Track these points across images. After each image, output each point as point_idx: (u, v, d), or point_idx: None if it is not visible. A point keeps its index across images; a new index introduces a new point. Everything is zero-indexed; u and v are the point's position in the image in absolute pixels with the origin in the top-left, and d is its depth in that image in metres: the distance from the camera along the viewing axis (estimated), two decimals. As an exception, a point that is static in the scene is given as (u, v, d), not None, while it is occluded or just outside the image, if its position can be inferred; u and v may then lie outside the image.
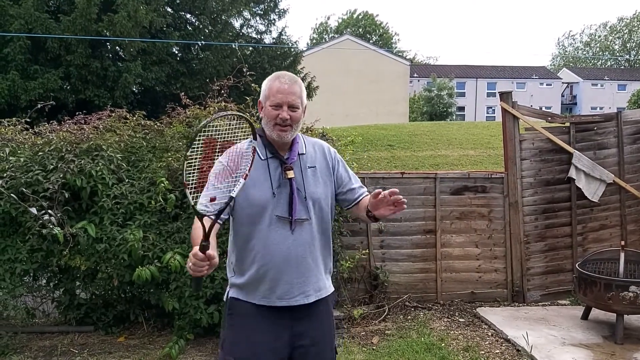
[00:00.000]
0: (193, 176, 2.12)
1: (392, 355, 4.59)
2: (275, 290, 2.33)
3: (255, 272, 2.34)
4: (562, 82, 55.56)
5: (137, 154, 5.17)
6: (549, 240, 6.23)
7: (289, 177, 2.34)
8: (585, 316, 5.37)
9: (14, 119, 5.58)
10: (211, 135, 2.15)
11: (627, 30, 64.08)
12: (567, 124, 6.28)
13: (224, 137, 2.24)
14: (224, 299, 2.50)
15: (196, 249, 2.03)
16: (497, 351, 4.74)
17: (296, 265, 2.32)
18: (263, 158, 2.37)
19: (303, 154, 2.44)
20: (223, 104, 5.22)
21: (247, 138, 2.25)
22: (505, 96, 6.19)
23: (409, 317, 5.61)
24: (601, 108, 48.57)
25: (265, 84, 2.42)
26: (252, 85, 5.25)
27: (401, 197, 2.21)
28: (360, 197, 2.50)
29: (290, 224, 2.32)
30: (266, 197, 2.31)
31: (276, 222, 2.31)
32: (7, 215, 4.60)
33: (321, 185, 2.43)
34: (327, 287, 2.48)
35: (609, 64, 66.12)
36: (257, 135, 2.35)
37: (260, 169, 2.35)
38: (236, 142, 2.29)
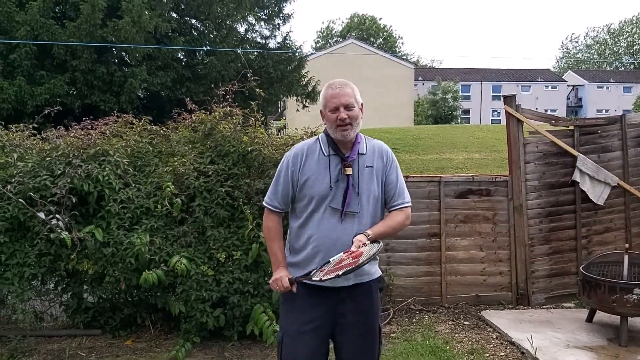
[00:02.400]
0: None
1: (397, 358, 4.61)
2: None
3: (308, 252, 2.66)
4: (567, 85, 55.47)
5: (143, 159, 5.21)
6: (553, 243, 6.24)
7: (347, 173, 2.62)
8: (589, 319, 5.37)
9: (21, 124, 5.64)
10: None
11: (633, 32, 63.87)
12: (571, 127, 6.29)
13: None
14: None
15: (286, 280, 2.58)
16: (502, 354, 4.75)
17: (341, 251, 2.54)
18: (326, 154, 2.68)
19: (363, 154, 2.69)
20: (228, 108, 5.26)
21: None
22: (509, 99, 6.21)
23: (414, 320, 5.63)
24: (607, 111, 48.39)
25: (321, 95, 2.73)
26: (257, 90, 5.30)
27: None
28: (393, 209, 2.74)
29: (341, 214, 2.61)
30: (325, 190, 2.62)
31: (330, 212, 2.63)
32: (16, 220, 4.65)
33: (375, 183, 2.68)
34: (371, 274, 2.74)
35: (614, 66, 65.93)
36: (323, 135, 2.73)
37: (322, 163, 2.67)
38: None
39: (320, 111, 2.73)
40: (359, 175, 2.64)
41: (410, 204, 2.77)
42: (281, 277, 2.61)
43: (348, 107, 2.61)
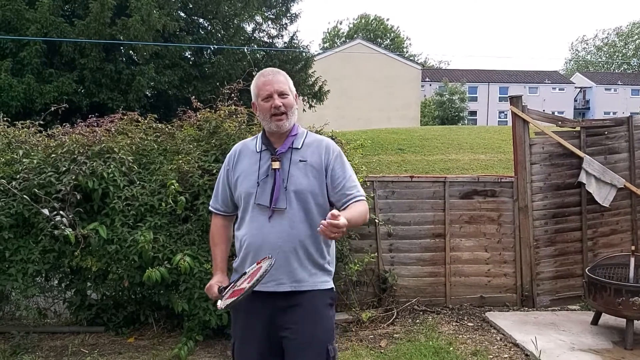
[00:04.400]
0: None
1: (400, 359, 4.60)
2: None
3: (242, 255, 2.52)
4: (575, 87, 55.20)
5: (148, 157, 5.22)
6: (558, 244, 6.20)
7: (274, 167, 2.45)
8: (595, 321, 5.34)
9: (27, 121, 5.66)
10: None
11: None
12: (578, 129, 6.25)
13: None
14: None
15: (216, 287, 2.45)
16: (506, 355, 4.73)
17: (269, 252, 2.36)
18: (257, 150, 2.54)
19: (297, 148, 2.50)
20: (233, 107, 5.26)
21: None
22: (515, 100, 6.19)
23: (418, 320, 5.61)
24: (614, 113, 48.14)
25: (252, 85, 2.56)
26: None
27: (330, 223, 2.15)
28: (348, 203, 2.46)
29: (268, 212, 2.43)
30: (252, 187, 2.47)
31: (258, 210, 2.45)
32: (20, 217, 4.66)
33: (309, 179, 2.46)
34: (313, 282, 2.47)
35: (622, 68, 65.59)
36: (261, 132, 2.57)
37: (253, 160, 2.53)
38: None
39: (252, 103, 2.57)
40: (289, 170, 2.45)
41: (364, 197, 2.52)
42: (211, 285, 2.50)
43: (282, 95, 2.46)
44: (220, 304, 2.28)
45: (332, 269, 2.58)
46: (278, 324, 2.44)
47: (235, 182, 2.55)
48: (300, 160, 2.48)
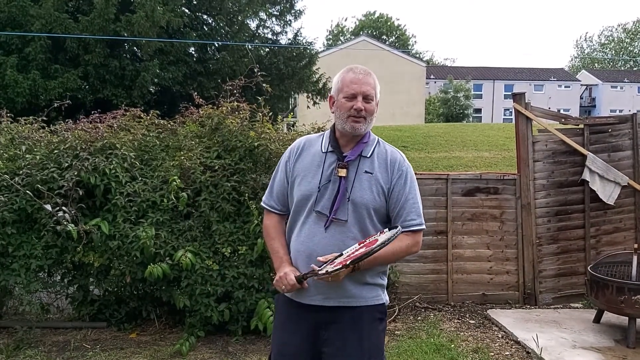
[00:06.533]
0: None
1: (401, 356, 4.60)
2: None
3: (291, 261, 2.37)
4: (581, 85, 54.99)
5: (150, 153, 5.23)
6: (561, 242, 6.18)
7: (340, 175, 2.28)
8: (597, 319, 5.33)
9: (31, 117, 5.68)
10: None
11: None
12: (581, 126, 6.23)
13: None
14: None
15: (292, 275, 2.26)
16: (507, 353, 4.72)
17: (318, 262, 2.22)
18: (323, 151, 2.36)
19: (365, 157, 2.33)
20: (235, 103, 5.26)
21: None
22: (518, 97, 6.17)
23: (419, 317, 5.61)
24: (621, 110, 47.89)
25: (337, 76, 2.36)
26: (265, 85, 5.29)
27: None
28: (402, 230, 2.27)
29: (326, 221, 2.28)
30: (311, 190, 2.31)
31: (315, 217, 2.30)
32: (23, 212, 4.68)
33: (373, 193, 2.30)
34: (364, 297, 2.33)
35: (628, 65, 65.29)
36: (331, 130, 2.40)
37: (316, 160, 2.36)
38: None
39: (330, 97, 2.37)
40: (354, 180, 2.28)
41: (423, 226, 2.34)
42: (286, 273, 2.26)
43: (367, 98, 2.27)
44: (329, 268, 2.13)
45: (385, 281, 2.43)
46: (322, 338, 2.32)
47: (293, 181, 2.39)
48: (367, 172, 2.31)
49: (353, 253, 2.15)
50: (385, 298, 2.42)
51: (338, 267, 2.10)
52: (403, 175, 2.33)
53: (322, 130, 5.40)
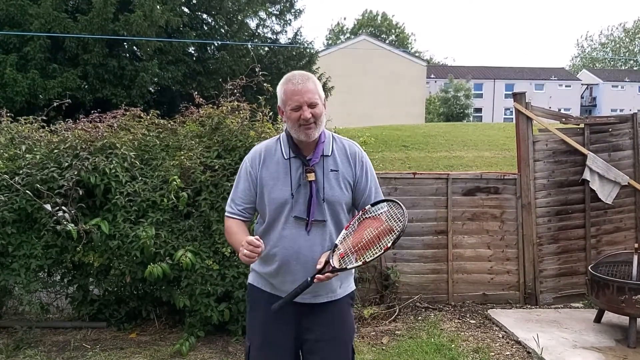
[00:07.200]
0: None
1: (401, 356, 4.59)
2: (284, 286, 2.41)
3: (271, 266, 2.44)
4: (582, 84, 54.99)
5: (150, 153, 5.22)
6: (562, 242, 6.18)
7: (309, 179, 2.37)
8: (598, 319, 5.32)
9: (30, 117, 5.67)
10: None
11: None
12: (582, 125, 6.22)
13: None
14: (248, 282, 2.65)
15: (249, 237, 2.22)
16: (507, 353, 4.72)
17: (306, 264, 2.34)
18: (286, 157, 2.42)
19: (327, 155, 2.43)
20: (236, 103, 5.25)
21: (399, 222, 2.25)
22: (518, 97, 6.16)
23: (420, 317, 5.60)
24: (621, 110, 47.88)
25: (279, 89, 2.41)
26: (265, 85, 5.28)
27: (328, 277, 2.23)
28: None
29: (307, 224, 2.38)
30: (285, 197, 2.37)
31: (293, 222, 2.38)
32: (23, 212, 4.68)
33: (342, 189, 2.43)
34: (343, 289, 2.54)
35: (629, 64, 65.27)
36: (284, 134, 2.47)
37: (281, 167, 2.42)
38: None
39: (278, 107, 2.43)
40: (323, 181, 2.39)
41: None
42: (247, 240, 2.21)
43: (312, 105, 2.32)
44: (348, 264, 2.20)
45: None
46: (303, 327, 2.47)
47: (262, 189, 2.43)
48: (332, 170, 2.42)
49: (345, 240, 2.29)
50: (354, 285, 2.64)
51: (359, 263, 2.20)
52: (364, 166, 2.50)
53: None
